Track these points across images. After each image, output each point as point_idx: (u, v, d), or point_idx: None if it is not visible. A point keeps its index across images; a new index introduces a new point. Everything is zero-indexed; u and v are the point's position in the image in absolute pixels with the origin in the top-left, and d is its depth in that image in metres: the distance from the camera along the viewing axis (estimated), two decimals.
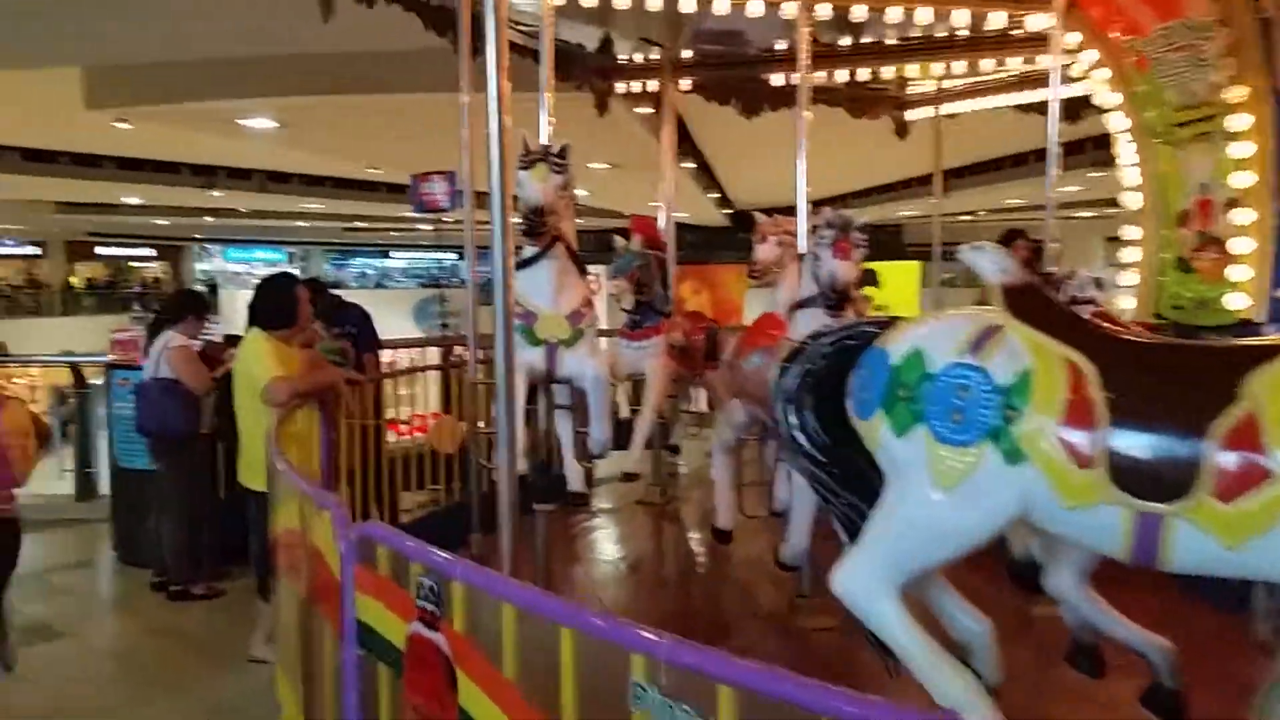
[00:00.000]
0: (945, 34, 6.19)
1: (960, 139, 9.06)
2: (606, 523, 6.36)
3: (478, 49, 4.13)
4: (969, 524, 2.20)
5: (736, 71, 7.16)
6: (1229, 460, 1.92)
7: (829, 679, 3.68)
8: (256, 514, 4.43)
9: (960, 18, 5.63)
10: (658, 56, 6.97)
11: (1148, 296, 5.47)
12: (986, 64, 6.76)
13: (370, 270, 43.03)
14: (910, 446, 2.21)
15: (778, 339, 4.32)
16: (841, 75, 6.94)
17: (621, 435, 4.90)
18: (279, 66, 9.70)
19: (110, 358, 7.05)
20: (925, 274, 16.25)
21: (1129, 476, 2.02)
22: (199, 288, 27.16)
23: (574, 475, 4.53)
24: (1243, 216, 4.80)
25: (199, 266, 39.35)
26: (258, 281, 5.11)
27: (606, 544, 5.94)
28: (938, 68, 6.82)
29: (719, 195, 19.95)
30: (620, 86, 7.21)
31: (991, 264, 2.31)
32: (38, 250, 33.92)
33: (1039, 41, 5.79)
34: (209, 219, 27.27)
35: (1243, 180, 4.77)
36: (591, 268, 4.75)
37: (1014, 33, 5.94)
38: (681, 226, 8.53)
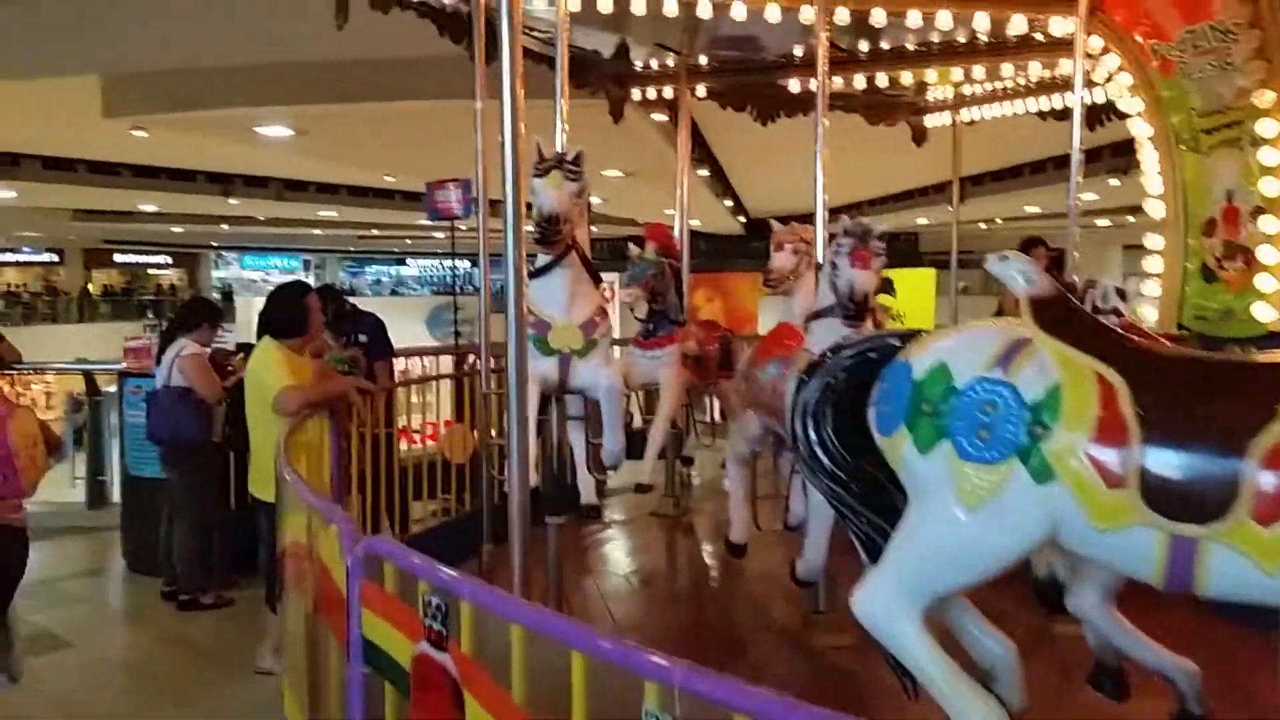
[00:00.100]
0: (965, 39, 6.11)
1: (978, 146, 8.97)
2: (619, 534, 6.29)
3: (492, 56, 4.08)
4: (995, 545, 2.12)
5: (752, 77, 7.10)
6: (1269, 481, 1.84)
7: (844, 698, 3.63)
8: (266, 524, 4.40)
9: (981, 22, 5.54)
10: (673, 63, 6.92)
11: (1170, 307, 5.36)
12: (1006, 69, 6.67)
13: (385, 278, 43.21)
14: (934, 464, 2.14)
15: (794, 349, 4.25)
16: (859, 81, 6.86)
17: (634, 445, 4.83)
18: (294, 74, 9.74)
19: (123, 365, 7.04)
20: (941, 282, 16.11)
21: (1162, 497, 1.95)
22: (213, 295, 27.36)
23: (586, 487, 4.47)
24: (1270, 225, 4.69)
25: (215, 274, 39.60)
26: (270, 290, 5.09)
27: (619, 556, 5.87)
28: (957, 73, 6.73)
29: (733, 203, 19.89)
30: (635, 93, 7.17)
31: (1018, 274, 2.24)
32: (56, 257, 34.21)
33: (1060, 46, 5.70)
34: (225, 226, 27.42)
35: (1271, 187, 4.65)
36: (605, 276, 4.69)
37: (1035, 37, 5.85)
38: (695, 234, 8.47)
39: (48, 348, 18.41)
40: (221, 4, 7.29)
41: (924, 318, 13.91)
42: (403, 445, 6.36)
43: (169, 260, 38.12)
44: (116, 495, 7.30)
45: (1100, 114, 6.41)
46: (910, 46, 6.47)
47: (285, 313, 4.76)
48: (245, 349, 5.81)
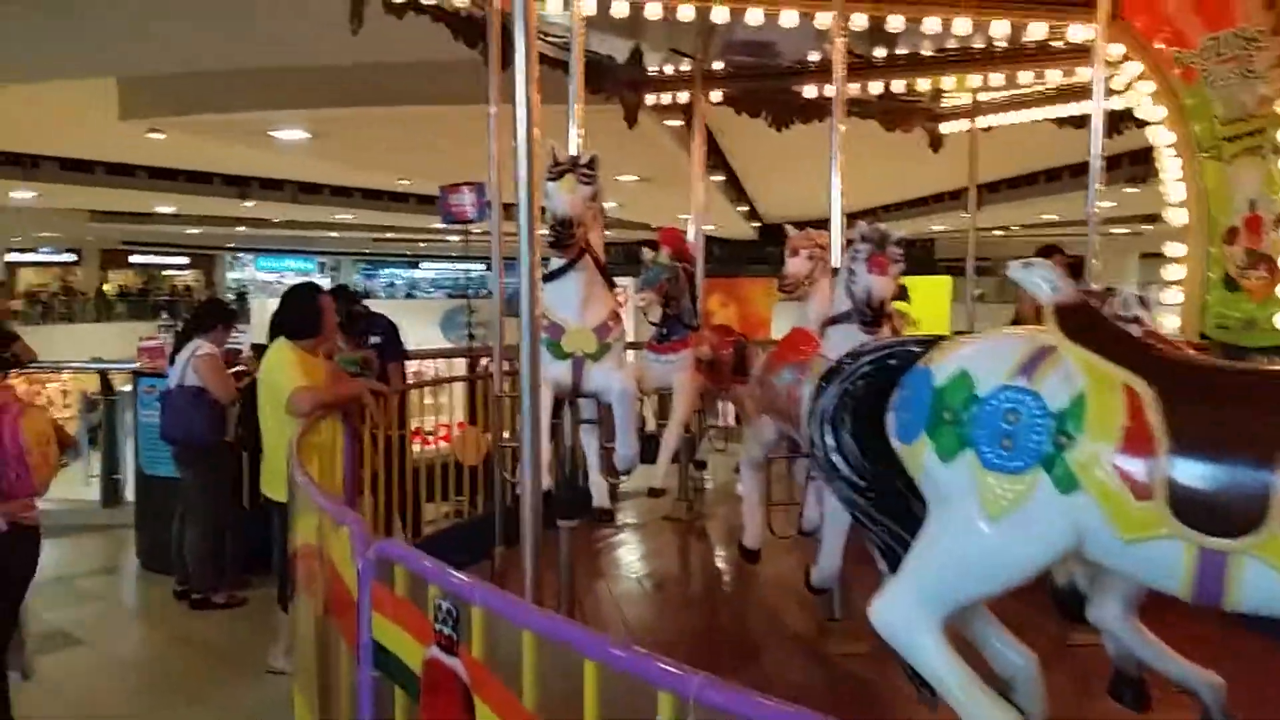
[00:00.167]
0: (983, 45, 6.07)
1: (995, 152, 8.91)
2: (631, 538, 6.26)
3: (507, 61, 4.08)
4: (1018, 556, 2.09)
5: (768, 83, 7.07)
6: None
7: (859, 706, 3.58)
8: (279, 524, 4.39)
9: (999, 28, 5.50)
10: (688, 68, 6.90)
11: (1192, 316, 5.31)
12: (1024, 76, 6.62)
13: (399, 280, 43.34)
14: (956, 473, 2.10)
15: (809, 355, 4.22)
16: (875, 87, 6.82)
17: (648, 450, 4.81)
18: (310, 78, 9.77)
19: (137, 365, 7.06)
20: (956, 289, 16.03)
21: (1191, 509, 1.90)
22: (229, 296, 27.49)
23: (599, 491, 4.44)
24: None
25: (231, 275, 39.81)
26: (283, 291, 5.09)
27: (631, 560, 5.84)
28: (974, 80, 6.68)
29: (747, 208, 19.87)
30: (650, 98, 7.15)
31: (1043, 281, 2.20)
32: (73, 258, 34.45)
33: (1080, 53, 5.65)
34: (241, 228, 27.56)
35: None
36: (620, 280, 4.66)
37: (1054, 44, 5.80)
38: (709, 239, 8.44)
39: (64, 347, 18.55)
40: (238, 8, 7.31)
41: (939, 325, 13.82)
42: (415, 447, 6.36)
43: (185, 261, 38.33)
44: (131, 494, 7.32)
45: (1119, 122, 6.36)
46: (927, 53, 6.43)
47: (298, 314, 4.76)
48: (259, 350, 5.81)
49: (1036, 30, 5.53)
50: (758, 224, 22.30)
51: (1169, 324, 5.39)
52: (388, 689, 2.37)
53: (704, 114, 7.12)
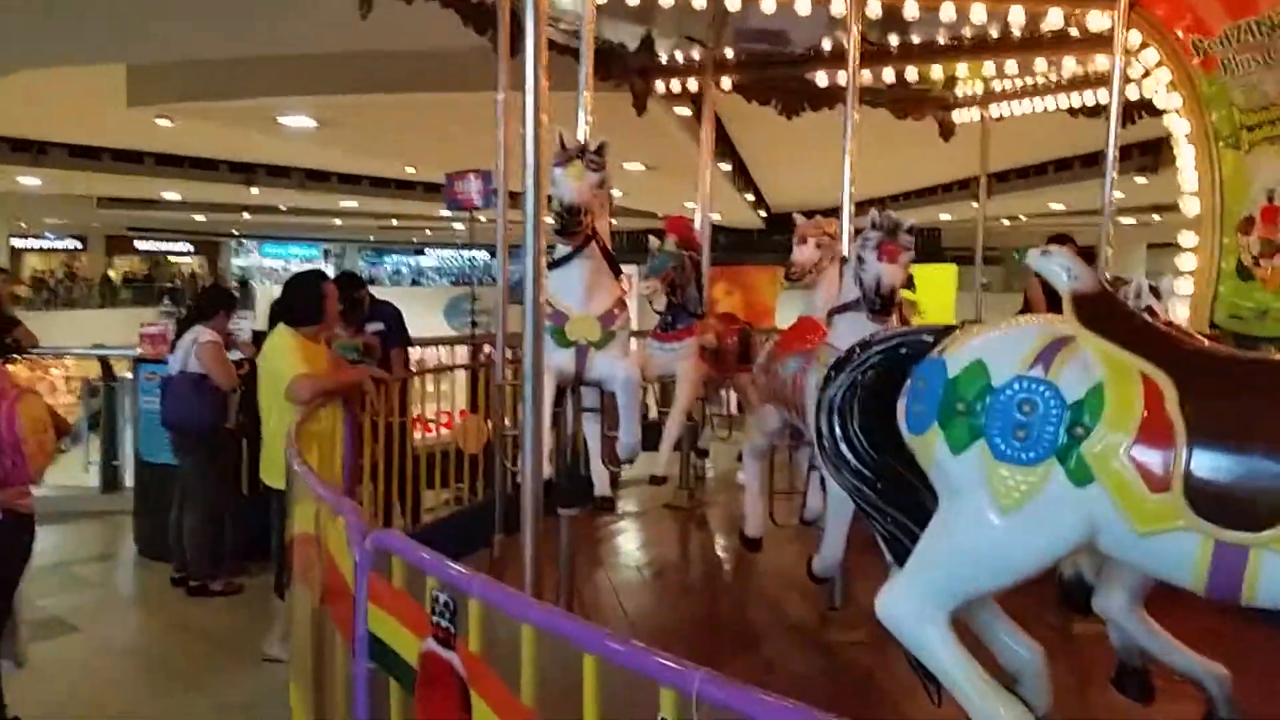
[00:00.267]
0: (998, 33, 5.97)
1: (1005, 141, 8.82)
2: (632, 526, 6.23)
3: (516, 47, 4.02)
4: (1030, 549, 2.04)
5: (779, 71, 6.99)
6: None
7: (860, 696, 3.55)
8: (278, 512, 4.36)
9: (1016, 15, 5.41)
10: (699, 55, 6.83)
11: (1203, 305, 5.23)
12: (1039, 65, 6.53)
13: (405, 268, 43.34)
14: (968, 465, 2.05)
15: (816, 343, 4.17)
16: (888, 75, 6.73)
17: (650, 438, 4.77)
18: (317, 65, 9.74)
19: (138, 351, 7.03)
20: (961, 278, 15.94)
21: (1209, 502, 1.85)
22: (231, 283, 27.48)
23: (600, 479, 4.40)
24: None
25: (236, 262, 39.84)
26: (286, 278, 5.05)
27: (631, 549, 5.81)
28: (988, 68, 6.59)
29: (754, 197, 19.78)
30: (660, 86, 7.08)
31: (1061, 269, 2.14)
32: (79, 244, 34.50)
33: (1097, 41, 5.56)
34: (247, 215, 27.53)
35: None
36: (625, 268, 4.61)
37: (1070, 32, 5.70)
38: (715, 228, 8.38)
39: (68, 333, 18.55)
40: None
41: (944, 314, 13.74)
42: (416, 434, 6.32)
43: (190, 248, 38.35)
44: (130, 480, 7.29)
45: (1133, 111, 6.26)
46: (941, 40, 6.34)
47: (301, 301, 4.72)
48: (260, 337, 5.77)
49: (1054, 18, 5.44)
50: (764, 213, 22.21)
51: (1181, 313, 5.32)
52: (383, 680, 2.33)
53: (713, 102, 7.05)
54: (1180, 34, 5.01)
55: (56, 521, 6.85)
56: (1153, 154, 13.65)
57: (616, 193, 13.64)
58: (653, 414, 6.77)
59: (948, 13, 5.31)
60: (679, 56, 6.92)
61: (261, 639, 4.68)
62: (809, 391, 3.99)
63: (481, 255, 26.61)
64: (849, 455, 2.37)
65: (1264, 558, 1.82)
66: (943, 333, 2.28)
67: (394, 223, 30.30)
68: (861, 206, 4.26)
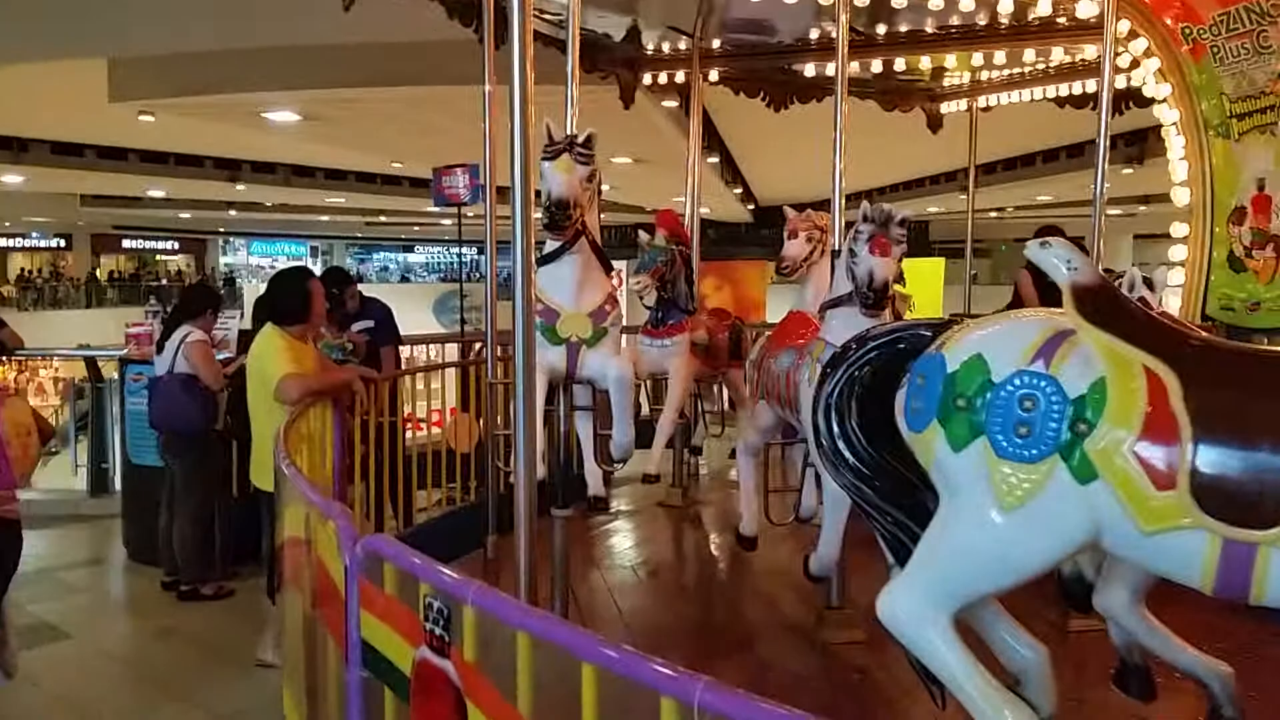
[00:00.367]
0: (986, 22, 5.95)
1: (991, 132, 8.81)
2: (626, 525, 6.19)
3: (501, 39, 3.96)
4: (1033, 548, 2.00)
5: (766, 62, 6.95)
6: None
7: (857, 695, 3.52)
8: (268, 514, 4.30)
9: (1004, 4, 5.38)
10: (686, 47, 6.78)
11: (1195, 296, 5.23)
12: (1028, 54, 6.50)
13: (392, 264, 43.18)
14: (968, 462, 2.02)
15: (808, 338, 4.14)
16: (876, 66, 6.71)
17: (642, 435, 4.73)
18: (302, 59, 9.67)
19: (124, 352, 6.95)
20: (948, 271, 15.96)
21: (1216, 499, 1.82)
22: (217, 282, 27.32)
23: (594, 478, 4.36)
24: None
25: (223, 260, 39.64)
26: (271, 275, 4.99)
27: (625, 548, 5.77)
28: (976, 58, 6.57)
29: (742, 190, 19.76)
30: (647, 78, 7.03)
31: (1060, 261, 2.10)
32: (64, 243, 34.25)
33: (1085, 30, 5.54)
34: (233, 212, 27.37)
35: None
36: (615, 263, 4.57)
37: (1059, 21, 5.68)
38: (704, 222, 8.34)
39: (55, 333, 18.41)
40: None
41: (933, 307, 13.76)
42: (407, 433, 6.27)
43: (176, 246, 38.13)
44: (119, 483, 7.22)
45: (1121, 101, 6.25)
46: (929, 30, 6.32)
47: (286, 299, 4.66)
48: (246, 336, 5.71)
49: (1042, 6, 5.42)
50: (753, 206, 22.19)
51: (1172, 305, 5.31)
52: (377, 688, 2.29)
53: (701, 94, 7.00)
54: (1169, 21, 5.00)
55: (44, 526, 6.77)
56: (1139, 144, 13.71)
57: (604, 187, 13.59)
58: (645, 411, 6.73)
59: (936, 1, 5.28)
60: (665, 48, 6.87)
61: (253, 644, 4.63)
62: (802, 387, 3.96)
63: (471, 251, 26.55)
64: (847, 453, 2.33)
65: (1273, 556, 1.79)
66: (941, 327, 2.24)
67: (382, 219, 30.18)
68: (849, 200, 4.23)
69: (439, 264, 41.72)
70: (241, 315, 7.03)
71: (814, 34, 6.46)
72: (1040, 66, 7.03)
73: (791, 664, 4.00)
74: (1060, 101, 7.33)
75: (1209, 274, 5.16)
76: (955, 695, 2.13)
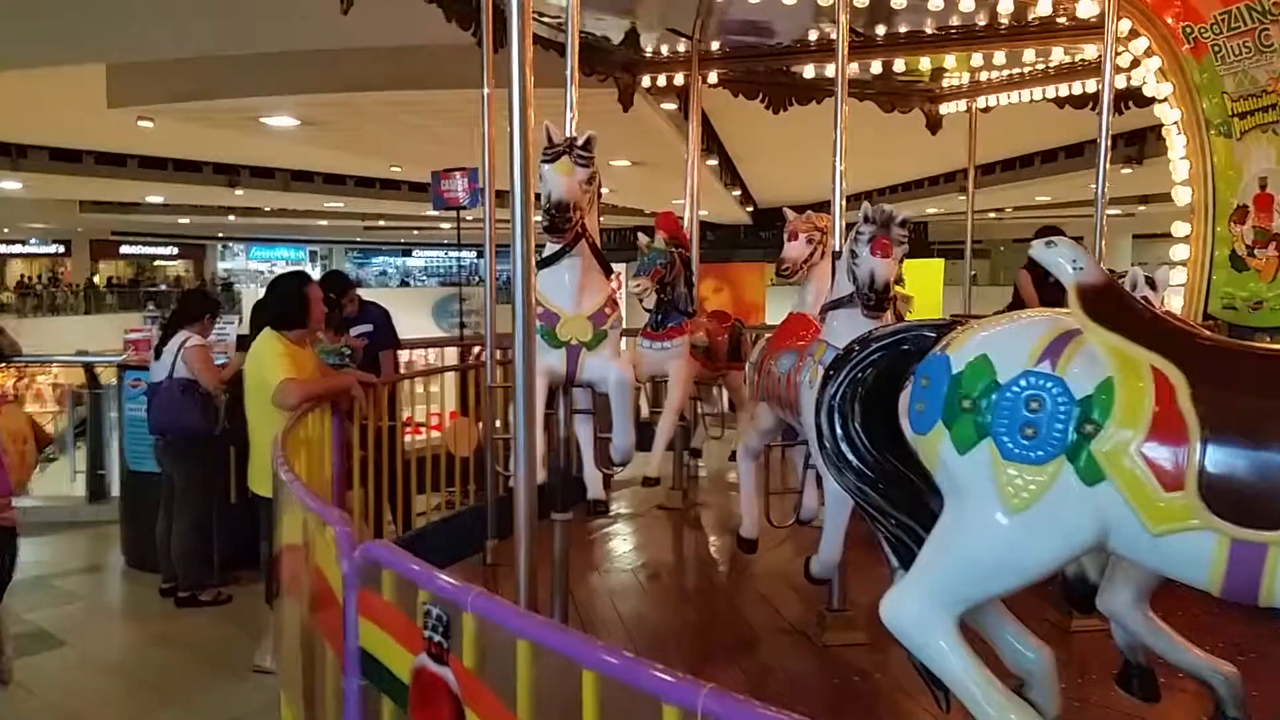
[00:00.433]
0: (986, 22, 5.93)
1: (990, 134, 8.80)
2: (625, 528, 6.16)
3: (500, 42, 3.94)
4: (1038, 551, 1.98)
5: (765, 63, 6.93)
6: None
7: (858, 698, 3.50)
8: (266, 519, 4.27)
9: (1004, 4, 5.36)
10: (685, 49, 6.76)
11: (1197, 295, 5.21)
12: (1028, 55, 6.48)
13: (390, 269, 43.18)
14: (974, 464, 1.99)
15: (809, 340, 4.12)
16: (875, 67, 6.69)
17: (642, 438, 4.71)
18: (301, 63, 9.65)
19: (123, 358, 6.93)
20: (947, 272, 15.96)
21: (1224, 500, 1.80)
22: (215, 287, 27.30)
23: (593, 482, 4.33)
24: None
25: (222, 265, 39.64)
26: (270, 281, 4.97)
27: (625, 551, 5.74)
28: (976, 59, 6.55)
29: (741, 192, 19.76)
30: (645, 80, 7.01)
31: (1066, 261, 2.08)
32: (63, 249, 34.25)
33: (1085, 29, 5.52)
34: (232, 217, 27.36)
35: None
36: (614, 265, 4.55)
37: (1059, 21, 5.66)
38: (703, 224, 8.31)
39: (54, 340, 18.38)
40: None
41: (932, 308, 13.75)
42: (406, 437, 6.25)
43: (175, 251, 38.13)
44: (117, 490, 7.20)
45: (1121, 100, 6.24)
46: (929, 31, 6.30)
47: (284, 303, 4.64)
48: (244, 341, 5.68)
49: (1042, 5, 5.40)
50: (751, 208, 22.19)
51: (1174, 304, 5.29)
52: (375, 696, 2.26)
53: (700, 96, 6.98)
54: (1170, 21, 4.98)
55: (42, 533, 6.75)
56: (1138, 145, 13.71)
57: (603, 190, 13.58)
58: (644, 414, 6.71)
59: (936, 1, 5.26)
60: (664, 51, 6.85)
61: (251, 651, 4.60)
62: (803, 388, 3.94)
63: (471, 255, 26.56)
64: (850, 456, 2.31)
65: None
66: (945, 328, 2.22)
67: (381, 223, 30.18)
68: (848, 201, 4.22)
69: (439, 268, 41.72)
70: (240, 320, 7.01)
71: (813, 35, 6.44)
72: (1040, 67, 7.01)
73: (792, 666, 3.99)
74: (1060, 102, 7.31)
75: (1211, 273, 5.14)
76: (960, 699, 2.11)
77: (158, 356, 5.75)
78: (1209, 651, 2.46)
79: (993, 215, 23.72)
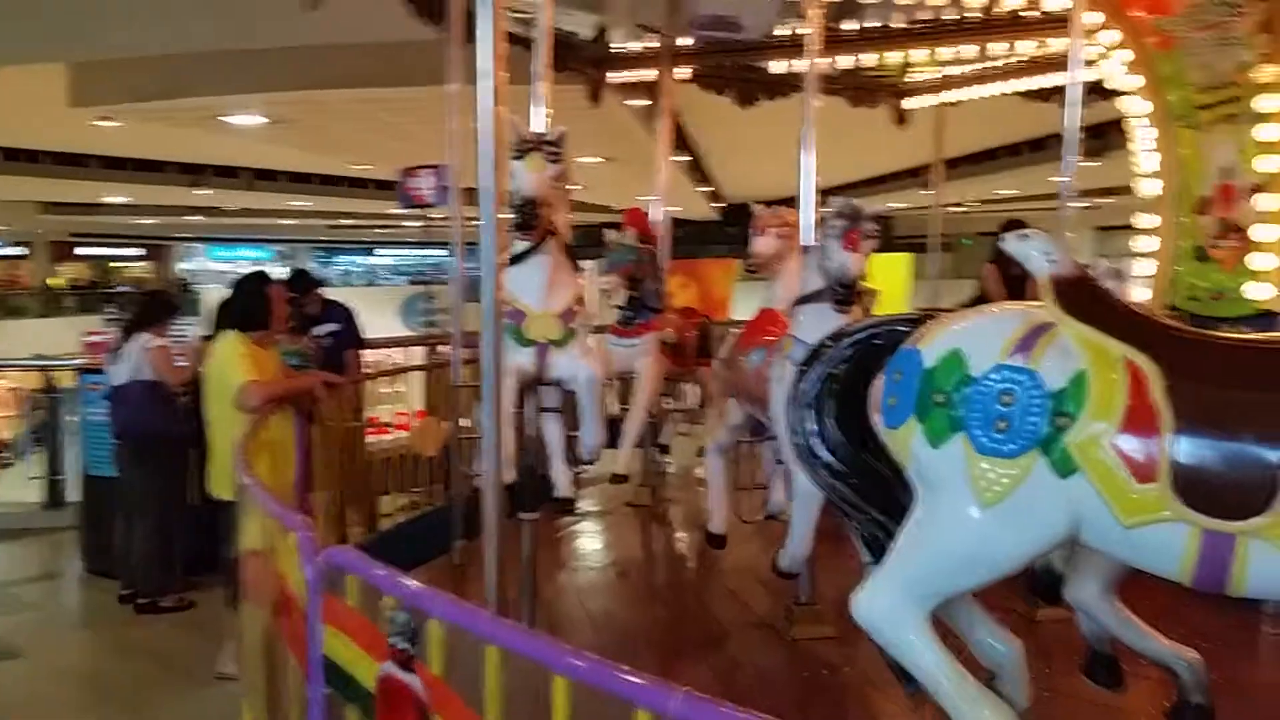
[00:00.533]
0: (955, 15, 5.93)
1: (955, 128, 8.84)
2: (594, 526, 6.14)
3: (469, 36, 3.88)
4: (1011, 544, 1.97)
5: (735, 58, 6.90)
6: None
7: (826, 691, 3.49)
8: (228, 524, 4.19)
9: None
10: (654, 45, 6.72)
11: (1162, 287, 5.24)
12: (995, 49, 6.49)
13: (355, 268, 42.78)
14: (946, 458, 1.98)
15: (778, 335, 4.11)
16: (845, 62, 6.68)
17: (610, 435, 4.68)
18: (265, 61, 9.50)
19: (81, 361, 6.79)
20: (915, 266, 16.07)
21: (1196, 491, 1.80)
22: (176, 288, 26.89)
23: (562, 480, 4.29)
24: (1268, 202, 4.57)
25: (184, 266, 39.07)
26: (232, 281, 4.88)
27: (594, 549, 5.72)
28: (945, 53, 6.55)
29: (709, 189, 19.77)
30: (615, 76, 6.96)
31: (1038, 253, 2.07)
32: (22, 251, 33.56)
33: (1054, 23, 5.54)
34: (195, 218, 26.97)
35: (1269, 164, 4.53)
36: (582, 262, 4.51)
37: (1027, 14, 5.68)
38: (672, 220, 8.28)
39: (12, 344, 18.02)
40: None
41: (898, 303, 13.83)
42: (372, 437, 6.17)
43: (138, 253, 37.50)
44: (75, 495, 7.05)
45: (1087, 94, 6.26)
46: (898, 25, 6.30)
47: (245, 304, 4.56)
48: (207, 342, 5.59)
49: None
50: (719, 204, 22.21)
51: (1138, 296, 5.33)
52: (340, 703, 2.21)
53: (669, 92, 6.94)
54: (1139, 13, 5.00)
55: None
56: (1100, 138, 13.86)
57: (573, 187, 13.55)
58: (613, 410, 6.67)
59: None
60: (633, 46, 6.80)
61: (213, 657, 4.51)
62: (773, 384, 3.92)
63: (438, 253, 26.38)
64: (822, 451, 2.29)
65: (1251, 547, 1.78)
66: (917, 322, 2.21)
67: (346, 222, 29.90)
68: (817, 196, 4.21)
69: (406, 267, 41.38)
70: (201, 321, 6.89)
71: (783, 30, 6.42)
72: (1008, 61, 7.03)
73: (761, 661, 3.99)
74: (1026, 95, 7.35)
75: (1176, 264, 5.17)
76: (931, 692, 2.10)
77: (117, 359, 5.63)
78: (1173, 639, 2.47)
79: (955, 209, 23.90)
